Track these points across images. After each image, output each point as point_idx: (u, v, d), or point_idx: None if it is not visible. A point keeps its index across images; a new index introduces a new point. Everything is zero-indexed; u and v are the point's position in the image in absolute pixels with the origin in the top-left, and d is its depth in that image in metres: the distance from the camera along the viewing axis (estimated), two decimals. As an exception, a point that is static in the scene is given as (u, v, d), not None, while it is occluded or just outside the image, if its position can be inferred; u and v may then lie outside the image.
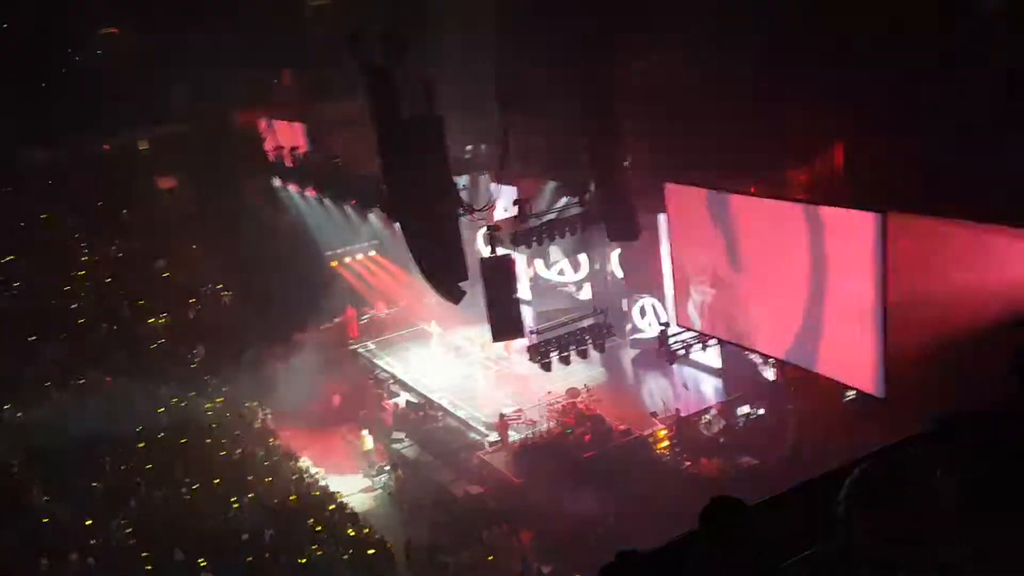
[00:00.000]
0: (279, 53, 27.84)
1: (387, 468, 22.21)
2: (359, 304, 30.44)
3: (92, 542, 18.79)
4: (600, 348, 19.11)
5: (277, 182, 28.91)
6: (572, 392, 22.39)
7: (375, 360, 28.03)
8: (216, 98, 28.99)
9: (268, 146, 29.23)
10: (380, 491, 21.86)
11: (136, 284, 29.50)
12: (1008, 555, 2.31)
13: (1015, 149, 12.07)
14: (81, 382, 25.74)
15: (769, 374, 20.22)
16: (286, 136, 28.94)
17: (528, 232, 17.63)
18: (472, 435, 22.84)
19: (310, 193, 26.68)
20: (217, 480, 20.90)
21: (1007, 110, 11.84)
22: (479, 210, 17.68)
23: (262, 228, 29.12)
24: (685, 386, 21.40)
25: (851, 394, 16.24)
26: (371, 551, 18.18)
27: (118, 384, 25.68)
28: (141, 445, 22.71)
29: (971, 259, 12.13)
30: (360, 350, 28.81)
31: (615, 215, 17.74)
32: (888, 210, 12.55)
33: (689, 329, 18.32)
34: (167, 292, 29.44)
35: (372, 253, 31.32)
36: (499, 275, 17.03)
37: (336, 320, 29.76)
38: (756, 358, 19.84)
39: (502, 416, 21.82)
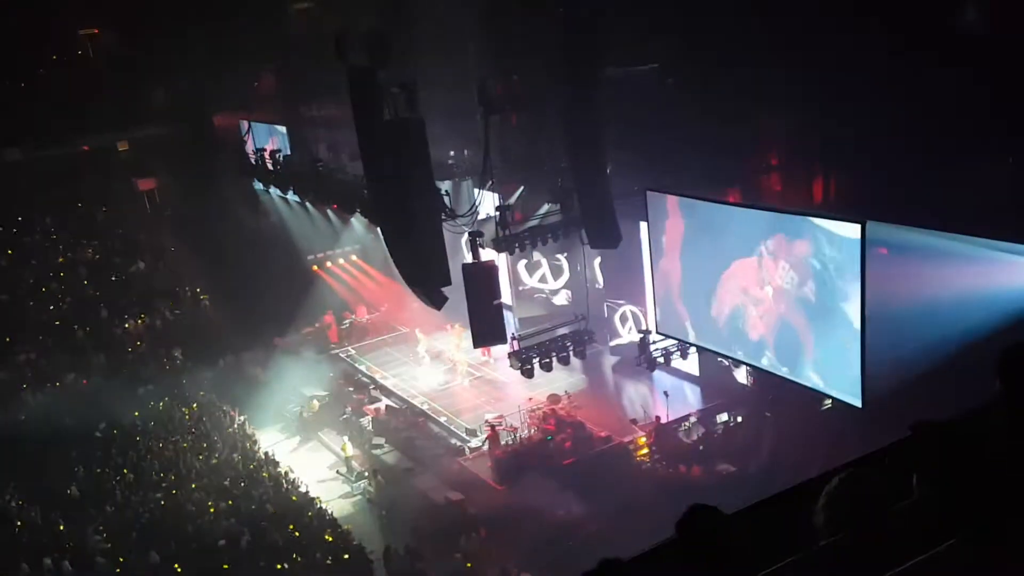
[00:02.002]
0: (261, 55, 27.73)
1: (366, 474, 22.08)
2: (340, 309, 30.32)
3: (67, 546, 18.55)
4: (581, 355, 19.11)
5: (258, 185, 28.73)
6: (553, 398, 22.41)
7: (356, 365, 27.92)
8: (196, 100, 28.83)
9: (249, 148, 29.04)
10: (359, 497, 21.72)
11: (114, 286, 29.25)
12: (987, 561, 2.32)
13: (992, 163, 12.24)
14: (57, 385, 25.48)
15: (747, 382, 20.33)
16: (267, 138, 28.80)
17: (511, 238, 17.63)
18: (453, 441, 22.78)
19: (291, 196, 26.49)
20: (194, 485, 20.70)
21: (985, 125, 12.00)
22: (462, 215, 17.65)
23: (242, 231, 28.95)
24: (665, 393, 21.46)
25: (828, 403, 16.34)
26: (349, 557, 18.05)
27: (94, 386, 25.43)
28: (116, 448, 22.47)
29: (949, 269, 12.25)
30: (341, 355, 28.68)
31: (596, 222, 17.76)
32: (868, 220, 12.65)
33: (669, 337, 18.38)
34: (145, 294, 29.19)
35: (354, 257, 31.23)
36: (482, 281, 16.98)
37: (316, 325, 29.63)
38: (735, 366, 19.95)
39: (492, 426, 21.75)
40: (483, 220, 18.00)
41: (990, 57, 11.79)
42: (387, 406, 25.03)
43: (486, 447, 21.69)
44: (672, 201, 16.77)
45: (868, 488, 2.56)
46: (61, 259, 29.66)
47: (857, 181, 13.82)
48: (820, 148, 14.63)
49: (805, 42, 14.06)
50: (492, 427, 21.60)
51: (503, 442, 21.52)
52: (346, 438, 23.41)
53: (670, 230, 17.01)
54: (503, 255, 18.56)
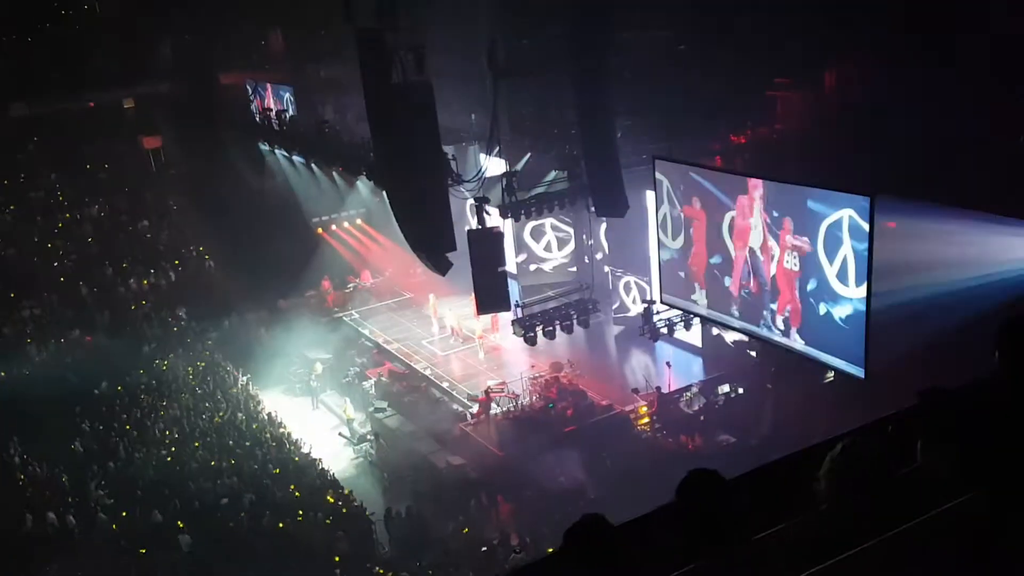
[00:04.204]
0: (269, 14, 27.46)
1: (369, 437, 22.24)
2: (344, 272, 30.31)
3: (71, 501, 18.75)
4: (585, 323, 19.12)
5: (263, 145, 28.61)
6: (555, 366, 22.47)
7: (359, 328, 27.98)
8: (203, 58, 28.61)
9: (255, 108, 28.89)
10: (361, 459, 21.91)
11: (118, 244, 29.27)
12: (986, 527, 2.32)
13: (1002, 140, 12.13)
14: (62, 341, 25.60)
15: (750, 353, 20.35)
16: (273, 98, 28.64)
17: (517, 205, 17.55)
18: (455, 406, 22.90)
19: (297, 157, 26.41)
20: (197, 443, 20.87)
21: (996, 102, 11.88)
22: (468, 181, 17.56)
23: (247, 192, 28.88)
24: (667, 363, 21.51)
25: (831, 375, 16.35)
26: (351, 518, 18.24)
27: (99, 344, 25.55)
28: (120, 406, 22.63)
29: (956, 244, 12.18)
30: (345, 318, 28.74)
31: (604, 190, 17.66)
32: (876, 193, 12.56)
33: (673, 307, 18.35)
34: (150, 253, 29.23)
35: (359, 221, 31.15)
36: (487, 248, 16.92)
37: (318, 290, 29.65)
38: (738, 337, 19.94)
39: (487, 392, 21.84)
40: (490, 184, 17.88)
41: (1003, 31, 11.65)
42: (390, 370, 25.14)
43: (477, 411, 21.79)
44: (680, 170, 16.64)
45: (872, 454, 2.56)
46: (66, 215, 29.66)
47: (867, 154, 13.70)
48: (831, 119, 14.50)
49: (817, 12, 13.88)
50: (486, 394, 21.69)
51: (504, 408, 21.63)
52: (348, 400, 23.56)
53: (677, 200, 16.89)
54: (508, 222, 18.50)
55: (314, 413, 24.26)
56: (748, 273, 15.44)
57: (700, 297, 16.68)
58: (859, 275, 13.05)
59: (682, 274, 16.76)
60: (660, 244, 17.16)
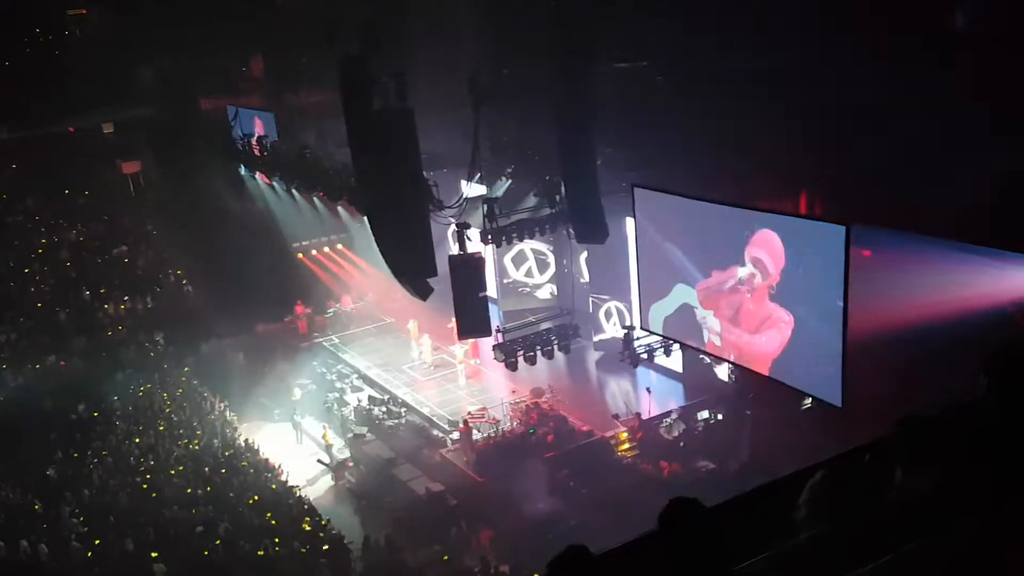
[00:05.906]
0: (250, 39, 27.55)
1: (348, 463, 22.05)
2: (325, 297, 30.20)
3: (44, 528, 18.42)
4: (565, 349, 19.15)
5: (244, 170, 28.56)
6: (536, 392, 22.45)
7: (339, 354, 27.84)
8: (184, 83, 28.60)
9: (236, 133, 28.86)
10: (339, 486, 21.70)
11: (96, 269, 29.03)
12: (966, 553, 2.36)
13: (977, 170, 12.34)
14: (37, 367, 25.28)
15: (729, 380, 20.44)
16: (254, 124, 28.62)
17: (498, 231, 17.61)
18: (435, 432, 22.79)
19: (278, 182, 26.38)
20: (173, 471, 20.60)
21: (971, 132, 12.09)
22: (449, 206, 17.62)
23: (227, 216, 28.77)
24: (648, 389, 21.55)
25: (808, 402, 16.45)
26: (328, 546, 18.02)
27: (74, 369, 25.26)
28: (95, 432, 22.32)
29: (931, 273, 12.35)
30: (324, 343, 28.60)
31: (584, 217, 17.78)
32: (852, 222, 12.73)
33: (653, 333, 18.43)
34: (127, 278, 28.99)
35: (339, 246, 31.12)
36: (468, 273, 16.96)
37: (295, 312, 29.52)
38: (717, 364, 20.05)
39: (465, 418, 21.77)
40: (471, 210, 17.95)
41: (979, 61, 11.88)
42: (369, 396, 25.00)
43: (458, 437, 21.70)
44: (659, 198, 16.79)
45: (851, 482, 2.59)
46: (44, 240, 29.40)
47: (843, 183, 13.89)
48: (808, 149, 14.69)
49: (795, 43, 14.10)
50: (465, 422, 21.61)
51: (484, 434, 21.55)
52: (327, 426, 23.38)
53: (656, 226, 17.03)
54: (489, 247, 18.56)
55: (292, 439, 24.03)
56: (734, 309, 15.59)
57: (703, 336, 16.82)
58: (834, 310, 13.23)
59: (686, 320, 16.87)
60: (639, 271, 17.27)
